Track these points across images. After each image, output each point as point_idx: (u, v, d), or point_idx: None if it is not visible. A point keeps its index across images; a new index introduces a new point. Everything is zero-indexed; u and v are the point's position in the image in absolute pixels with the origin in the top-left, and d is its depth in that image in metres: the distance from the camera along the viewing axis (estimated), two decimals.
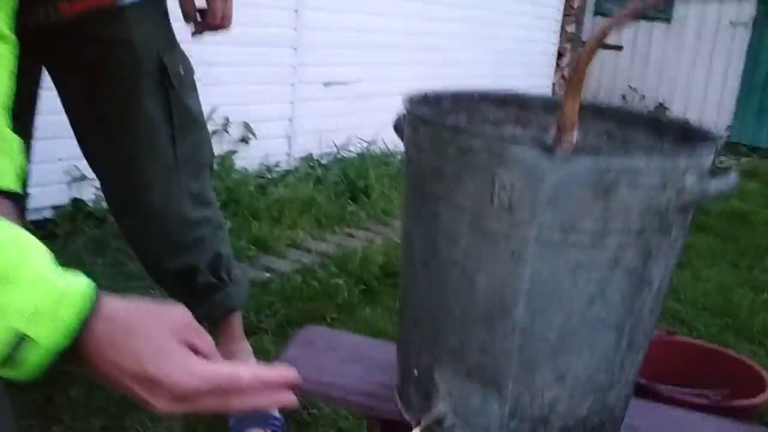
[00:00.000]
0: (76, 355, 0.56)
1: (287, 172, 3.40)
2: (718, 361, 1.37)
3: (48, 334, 0.53)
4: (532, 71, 5.45)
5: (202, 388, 0.58)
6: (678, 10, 6.99)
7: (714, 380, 1.30)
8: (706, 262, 2.97)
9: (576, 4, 5.80)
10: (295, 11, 3.27)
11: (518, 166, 0.73)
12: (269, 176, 3.31)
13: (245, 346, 1.73)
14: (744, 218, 3.82)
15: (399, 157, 3.70)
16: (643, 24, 7.27)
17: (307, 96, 3.51)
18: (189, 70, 1.43)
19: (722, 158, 5.99)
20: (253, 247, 2.62)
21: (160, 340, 0.58)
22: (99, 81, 1.36)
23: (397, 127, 0.95)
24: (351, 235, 2.96)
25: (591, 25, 7.50)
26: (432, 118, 0.83)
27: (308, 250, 2.72)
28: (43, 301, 0.53)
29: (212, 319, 1.60)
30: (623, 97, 7.36)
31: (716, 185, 0.77)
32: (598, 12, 7.56)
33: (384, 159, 3.79)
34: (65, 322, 0.54)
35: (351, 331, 2.06)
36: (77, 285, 0.56)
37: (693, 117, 6.89)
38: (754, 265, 3.01)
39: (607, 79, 7.50)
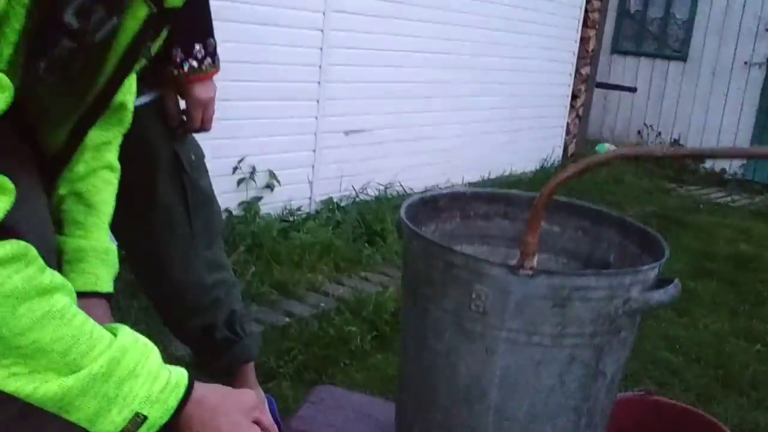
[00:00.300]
0: (173, 428, 0.76)
1: (308, 216, 3.59)
2: (691, 423, 1.49)
3: (157, 414, 0.75)
4: (546, 113, 5.61)
5: None
6: (694, 50, 7.14)
7: None
8: (705, 309, 3.05)
9: (591, 47, 5.96)
10: (319, 67, 3.48)
11: (491, 281, 0.91)
12: (291, 220, 3.50)
13: (259, 393, 1.89)
14: (750, 262, 3.84)
15: None
16: (659, 62, 7.42)
17: (329, 144, 3.71)
18: (200, 156, 1.56)
19: (736, 197, 6.06)
20: (275, 291, 2.80)
21: (237, 419, 0.80)
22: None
23: (398, 227, 1.12)
24: (366, 279, 3.13)
25: (609, 63, 7.67)
26: (423, 232, 1.00)
27: (326, 294, 2.89)
28: (156, 389, 0.75)
29: (230, 370, 1.75)
30: (639, 133, 7.48)
31: (658, 296, 0.93)
32: (616, 51, 7.73)
33: (400, 201, 3.94)
34: (169, 404, 0.76)
35: (363, 376, 2.24)
36: (178, 375, 0.78)
37: None
38: (753, 314, 3.06)
39: (623, 116, 7.64)
